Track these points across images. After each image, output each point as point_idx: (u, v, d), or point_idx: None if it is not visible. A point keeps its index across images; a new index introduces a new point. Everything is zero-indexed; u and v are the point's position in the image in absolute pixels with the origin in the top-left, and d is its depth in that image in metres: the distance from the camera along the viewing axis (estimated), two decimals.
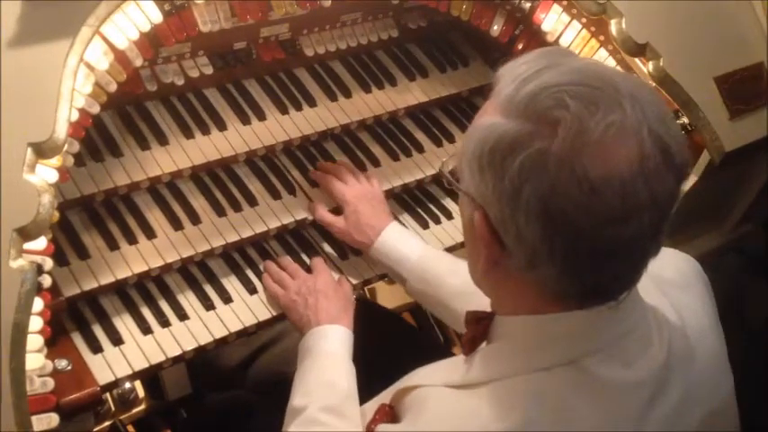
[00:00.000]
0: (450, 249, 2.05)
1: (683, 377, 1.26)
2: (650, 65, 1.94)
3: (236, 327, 1.81)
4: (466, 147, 1.17)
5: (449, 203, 2.16)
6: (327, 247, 2.02)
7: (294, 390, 1.65)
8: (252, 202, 1.97)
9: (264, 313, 1.86)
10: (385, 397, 1.41)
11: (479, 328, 1.30)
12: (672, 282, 1.36)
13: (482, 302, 1.74)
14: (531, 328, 1.21)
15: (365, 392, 1.60)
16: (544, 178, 1.07)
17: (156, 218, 1.88)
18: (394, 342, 2.13)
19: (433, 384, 1.27)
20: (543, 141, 1.08)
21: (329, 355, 1.70)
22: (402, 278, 1.89)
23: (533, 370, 1.19)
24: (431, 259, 1.87)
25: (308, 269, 1.92)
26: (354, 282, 1.96)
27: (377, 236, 1.91)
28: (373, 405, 1.45)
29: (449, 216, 2.13)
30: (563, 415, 1.17)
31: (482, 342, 1.31)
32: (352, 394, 1.62)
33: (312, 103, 2.14)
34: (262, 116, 2.06)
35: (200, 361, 2.01)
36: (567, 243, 1.10)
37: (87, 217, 1.84)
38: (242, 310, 1.85)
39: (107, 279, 1.75)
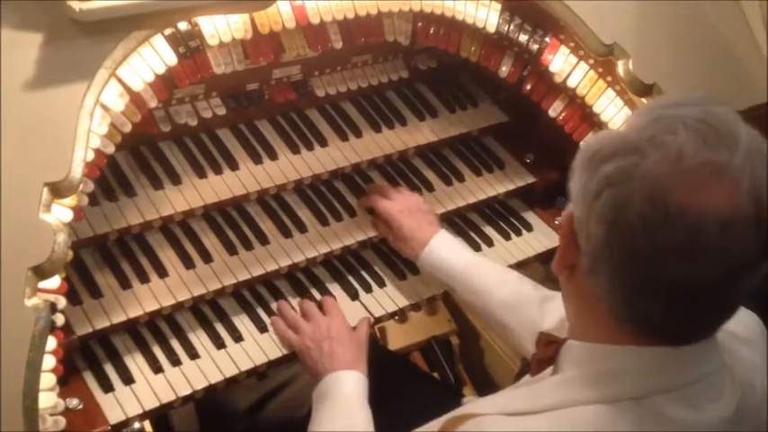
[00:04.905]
0: None
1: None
2: None
3: (246, 366, 1.82)
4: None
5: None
6: (337, 287, 2.02)
7: None
8: (263, 240, 1.98)
9: (275, 352, 1.86)
10: (433, 426, 1.35)
11: (548, 351, 1.30)
12: (735, 335, 1.32)
13: (531, 316, 1.70)
14: (601, 357, 1.21)
15: None
16: (625, 188, 1.10)
17: (168, 256, 1.89)
18: (404, 384, 2.12)
19: (489, 413, 1.24)
20: (640, 158, 1.10)
21: (346, 400, 1.69)
22: (452, 288, 1.91)
23: (600, 401, 1.18)
24: (478, 269, 1.88)
25: (319, 305, 1.93)
26: None
27: (422, 248, 1.93)
28: None
29: None
30: None
31: (549, 365, 1.29)
32: None
33: (323, 143, 2.16)
34: (273, 156, 2.08)
35: (209, 404, 1.99)
36: (622, 256, 1.11)
37: (100, 256, 1.86)
38: (253, 348, 1.85)
39: (119, 318, 1.76)
